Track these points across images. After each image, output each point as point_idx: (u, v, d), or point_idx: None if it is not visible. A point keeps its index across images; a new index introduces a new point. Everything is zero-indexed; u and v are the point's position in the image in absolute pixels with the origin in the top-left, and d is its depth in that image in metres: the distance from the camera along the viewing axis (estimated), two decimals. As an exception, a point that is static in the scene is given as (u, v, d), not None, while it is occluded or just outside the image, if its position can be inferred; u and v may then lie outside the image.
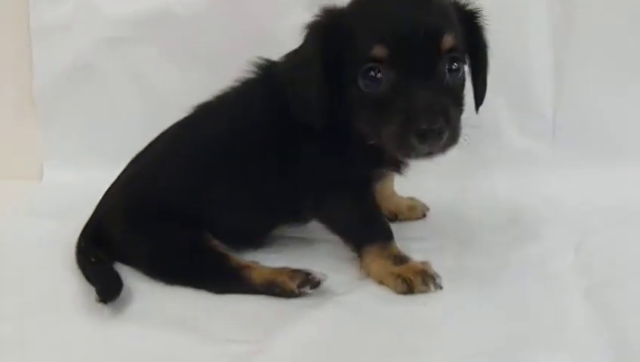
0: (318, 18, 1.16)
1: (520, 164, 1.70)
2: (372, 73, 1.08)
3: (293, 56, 1.22)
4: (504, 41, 1.58)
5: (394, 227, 1.36)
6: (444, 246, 1.39)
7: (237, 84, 1.30)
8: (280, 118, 1.21)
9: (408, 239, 1.39)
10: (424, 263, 1.22)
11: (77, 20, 1.78)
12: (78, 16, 1.78)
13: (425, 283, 1.17)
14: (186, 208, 1.26)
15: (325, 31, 1.13)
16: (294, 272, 1.17)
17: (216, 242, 1.25)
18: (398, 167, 1.26)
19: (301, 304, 1.15)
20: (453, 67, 1.11)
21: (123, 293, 1.18)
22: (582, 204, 1.55)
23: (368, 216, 1.26)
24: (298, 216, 1.33)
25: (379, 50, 1.06)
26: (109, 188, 1.39)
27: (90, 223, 1.36)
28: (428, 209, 1.57)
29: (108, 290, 1.16)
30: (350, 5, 1.17)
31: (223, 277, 1.21)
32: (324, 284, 1.17)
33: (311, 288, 1.16)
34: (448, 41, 1.08)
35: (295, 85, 1.17)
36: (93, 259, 1.27)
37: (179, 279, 1.23)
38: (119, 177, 1.39)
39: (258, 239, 1.36)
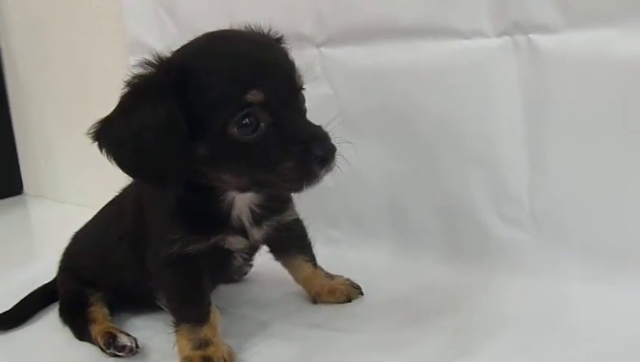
0: (155, 75, 1.08)
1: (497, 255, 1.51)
2: (248, 119, 1.06)
3: (126, 123, 1.09)
4: (475, 120, 1.46)
5: (326, 312, 1.36)
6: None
7: None
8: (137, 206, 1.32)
9: (336, 329, 1.33)
10: (226, 352, 1.22)
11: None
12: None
13: None
14: (82, 271, 1.49)
15: (173, 90, 1.06)
16: (106, 333, 1.32)
17: (97, 296, 1.44)
18: (240, 230, 1.25)
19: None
20: (304, 98, 1.18)
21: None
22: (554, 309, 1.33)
23: (184, 296, 1.27)
24: None
25: (255, 96, 1.05)
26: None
27: None
28: (359, 294, 1.45)
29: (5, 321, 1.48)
30: (189, 55, 1.12)
31: (82, 326, 1.39)
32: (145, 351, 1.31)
33: (117, 351, 1.28)
34: (300, 77, 1.15)
35: (144, 155, 1.08)
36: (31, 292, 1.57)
37: (64, 318, 1.47)
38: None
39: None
